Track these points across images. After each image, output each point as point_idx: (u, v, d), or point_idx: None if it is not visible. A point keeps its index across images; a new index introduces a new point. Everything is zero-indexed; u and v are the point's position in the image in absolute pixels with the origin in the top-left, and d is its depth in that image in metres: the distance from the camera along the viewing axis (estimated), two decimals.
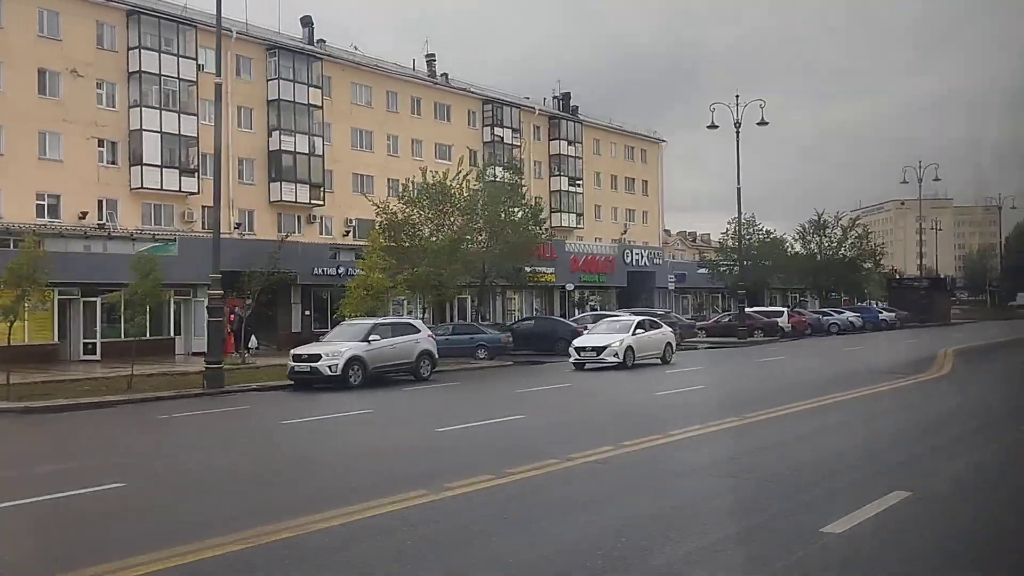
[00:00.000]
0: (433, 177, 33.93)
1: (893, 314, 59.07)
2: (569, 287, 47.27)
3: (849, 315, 54.07)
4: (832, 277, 62.74)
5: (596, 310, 50.86)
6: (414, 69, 60.66)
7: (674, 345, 27.98)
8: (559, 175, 67.85)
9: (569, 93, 73.13)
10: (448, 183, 33.77)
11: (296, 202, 48.15)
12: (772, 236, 58.63)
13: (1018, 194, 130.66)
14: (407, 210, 33.47)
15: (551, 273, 47.17)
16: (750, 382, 21.23)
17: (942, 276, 77.96)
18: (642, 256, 54.38)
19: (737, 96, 40.97)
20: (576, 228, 69.01)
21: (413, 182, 35.75)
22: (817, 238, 62.76)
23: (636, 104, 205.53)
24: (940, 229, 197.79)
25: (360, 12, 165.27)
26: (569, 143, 68.68)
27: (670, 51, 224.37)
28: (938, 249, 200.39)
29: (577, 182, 69.28)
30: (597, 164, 72.91)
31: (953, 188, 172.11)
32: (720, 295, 63.36)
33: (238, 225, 45.25)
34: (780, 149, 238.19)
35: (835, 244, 62.88)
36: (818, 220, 62.63)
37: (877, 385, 17.90)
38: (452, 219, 33.47)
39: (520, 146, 63.92)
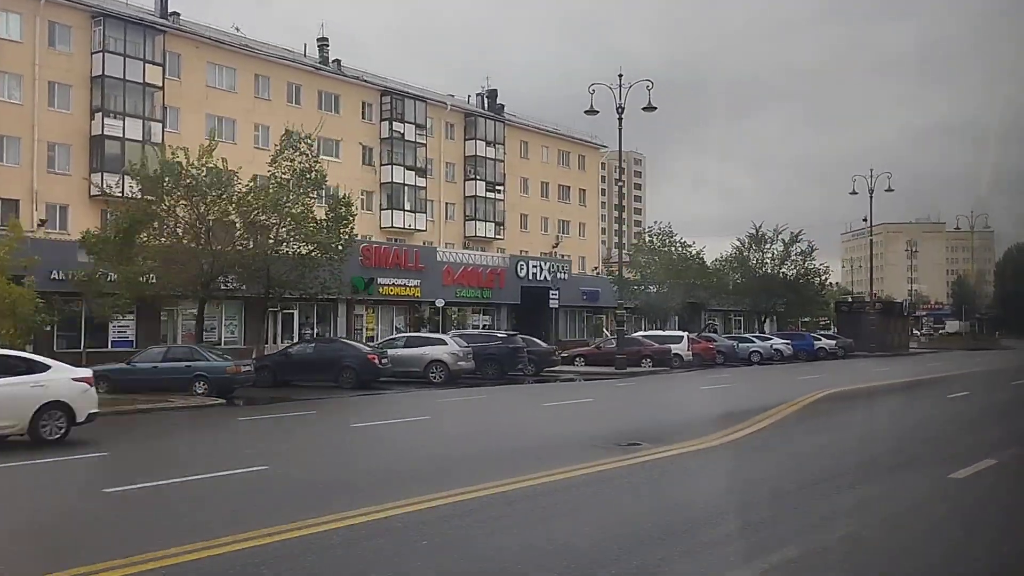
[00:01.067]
0: (203, 154, 26.42)
1: (834, 342, 51.67)
2: (439, 303, 40.01)
3: (776, 342, 46.62)
4: (772, 299, 55.40)
5: (480, 329, 43.62)
6: (305, 55, 53.80)
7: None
8: (475, 179, 60.64)
9: (496, 90, 66.13)
10: (215, 167, 26.40)
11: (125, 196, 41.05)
12: (693, 252, 51.31)
13: (1015, 221, 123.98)
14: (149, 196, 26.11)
15: (415, 286, 39.91)
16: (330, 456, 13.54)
17: (897, 300, 70.27)
18: (540, 270, 46.98)
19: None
20: (495, 239, 61.80)
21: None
22: (755, 254, 55.49)
23: (635, 127, 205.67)
24: (916, 251, 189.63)
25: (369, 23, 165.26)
26: (488, 144, 61.52)
27: (670, 76, 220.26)
28: (924, 272, 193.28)
29: (497, 187, 62.09)
30: (524, 169, 65.72)
31: (949, 215, 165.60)
32: (646, 317, 55.99)
33: (43, 222, 38.21)
34: (778, 174, 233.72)
35: (777, 261, 55.57)
36: (756, 233, 55.36)
37: (571, 467, 10.59)
38: (212, 207, 26.13)
39: (426, 144, 56.85)
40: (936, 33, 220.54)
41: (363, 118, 53.95)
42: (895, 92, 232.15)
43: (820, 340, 51.33)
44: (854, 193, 55.17)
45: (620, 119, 34.33)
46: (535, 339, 33.44)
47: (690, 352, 38.56)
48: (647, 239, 54.63)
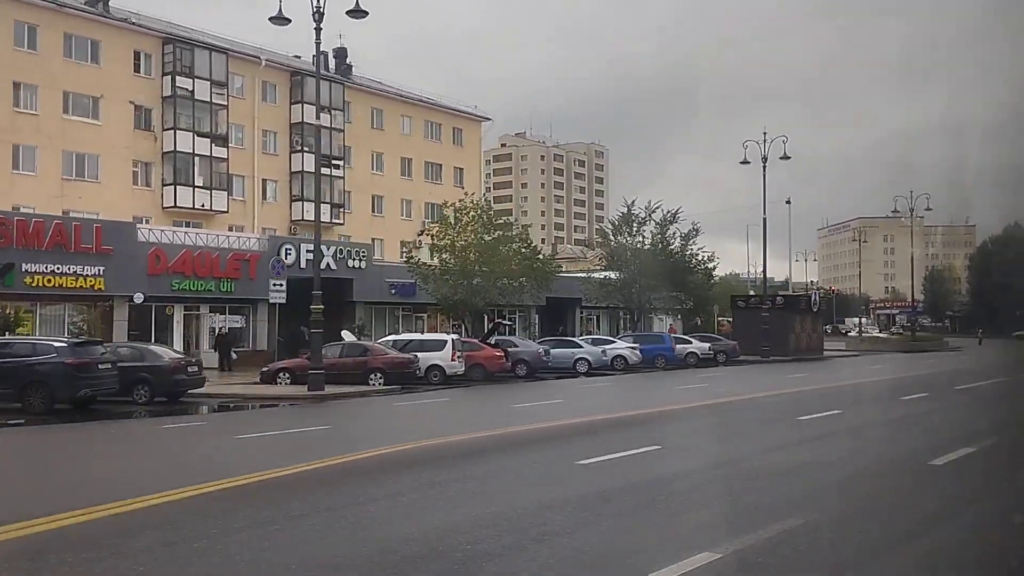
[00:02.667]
0: None
1: (708, 344, 40.93)
2: (137, 298, 29.33)
3: (620, 347, 35.84)
4: (648, 293, 44.60)
5: (223, 332, 32.90)
6: None
7: None
8: (301, 150, 49.87)
9: (345, 48, 55.40)
10: None
11: None
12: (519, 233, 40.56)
13: (1002, 217, 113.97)
14: None
15: (96, 276, 29.11)
16: None
17: (803, 294, 58.96)
18: (321, 256, 36.00)
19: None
20: (334, 223, 51.00)
21: None
22: (624, 238, 44.69)
23: (634, 127, 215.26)
24: (893, 247, 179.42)
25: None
26: (323, 109, 50.48)
27: (668, 77, 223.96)
28: (903, 268, 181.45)
29: (335, 162, 51.25)
30: (378, 141, 54.90)
31: (938, 211, 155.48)
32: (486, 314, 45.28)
33: None
34: (772, 174, 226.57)
35: (653, 246, 44.70)
36: (627, 212, 44.56)
37: None
38: None
39: (227, 106, 46.07)
40: (926, 32, 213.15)
41: (136, 71, 43.18)
42: (886, 90, 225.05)
43: (691, 343, 40.55)
44: (745, 163, 44.20)
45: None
46: (161, 348, 22.68)
47: (458, 361, 27.83)
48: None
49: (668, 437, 13.18)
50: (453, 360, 27.56)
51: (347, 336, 29.15)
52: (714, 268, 46.39)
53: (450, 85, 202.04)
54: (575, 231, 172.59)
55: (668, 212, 44.22)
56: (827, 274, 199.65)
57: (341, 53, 55.19)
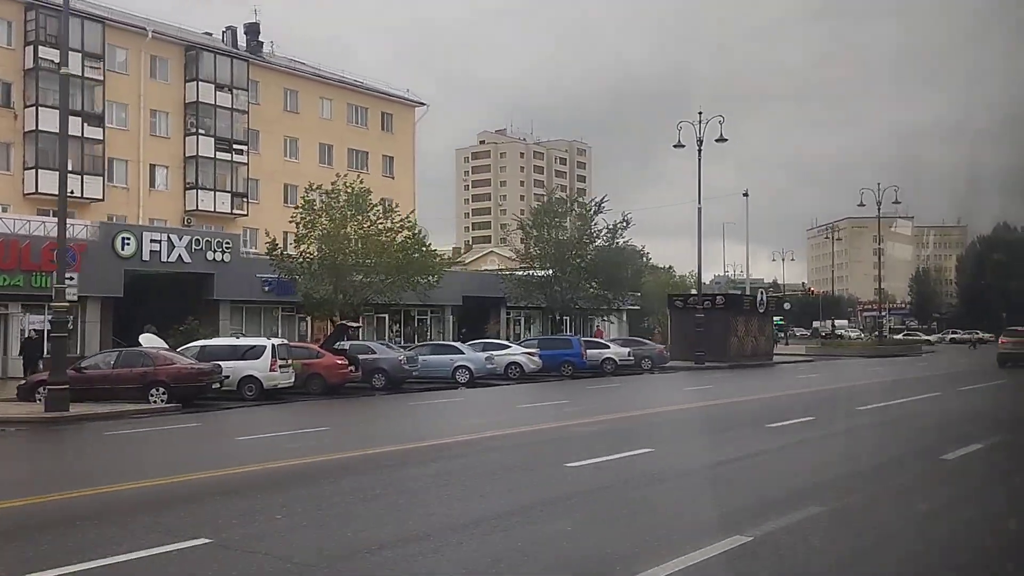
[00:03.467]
0: None
1: (628, 349, 35.92)
2: None
3: (515, 352, 30.84)
4: (573, 291, 39.63)
5: (30, 336, 27.89)
6: None
7: None
8: (196, 133, 44.90)
9: (258, 24, 50.55)
10: None
11: None
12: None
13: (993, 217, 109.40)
14: None
15: None
16: None
17: (747, 294, 53.41)
18: (171, 246, 31.17)
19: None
20: (235, 214, 46.17)
21: None
22: (544, 231, 39.72)
23: (629, 127, 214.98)
24: (883, 247, 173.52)
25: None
26: (223, 88, 45.77)
27: (663, 78, 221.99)
28: (892, 269, 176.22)
29: (238, 147, 46.38)
30: (291, 125, 49.93)
31: (930, 212, 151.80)
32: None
33: None
34: (769, 175, 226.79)
35: (577, 238, 39.73)
36: (547, 201, 39.59)
37: None
38: None
39: (103, 81, 41.15)
40: (921, 35, 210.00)
41: None
42: (882, 92, 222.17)
43: (607, 347, 35.53)
44: (679, 145, 39.13)
45: None
46: None
47: (282, 371, 22.86)
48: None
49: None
50: (274, 370, 22.59)
51: (147, 339, 24.06)
52: (645, 263, 41.28)
53: (441, 84, 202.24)
54: None
55: (592, 201, 39.23)
56: (816, 275, 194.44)
57: (253, 29, 50.37)
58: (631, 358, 35.57)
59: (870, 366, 39.69)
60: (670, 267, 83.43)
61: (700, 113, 39.17)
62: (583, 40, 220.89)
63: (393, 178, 55.53)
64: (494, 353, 30.28)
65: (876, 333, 57.58)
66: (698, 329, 39.92)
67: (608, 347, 35.45)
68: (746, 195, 58.61)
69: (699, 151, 38.56)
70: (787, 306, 74.65)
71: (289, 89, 49.94)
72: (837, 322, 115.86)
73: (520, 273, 40.85)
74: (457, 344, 31.56)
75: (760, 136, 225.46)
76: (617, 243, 39.90)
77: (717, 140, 38.95)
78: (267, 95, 48.48)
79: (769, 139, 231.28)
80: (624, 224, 40.05)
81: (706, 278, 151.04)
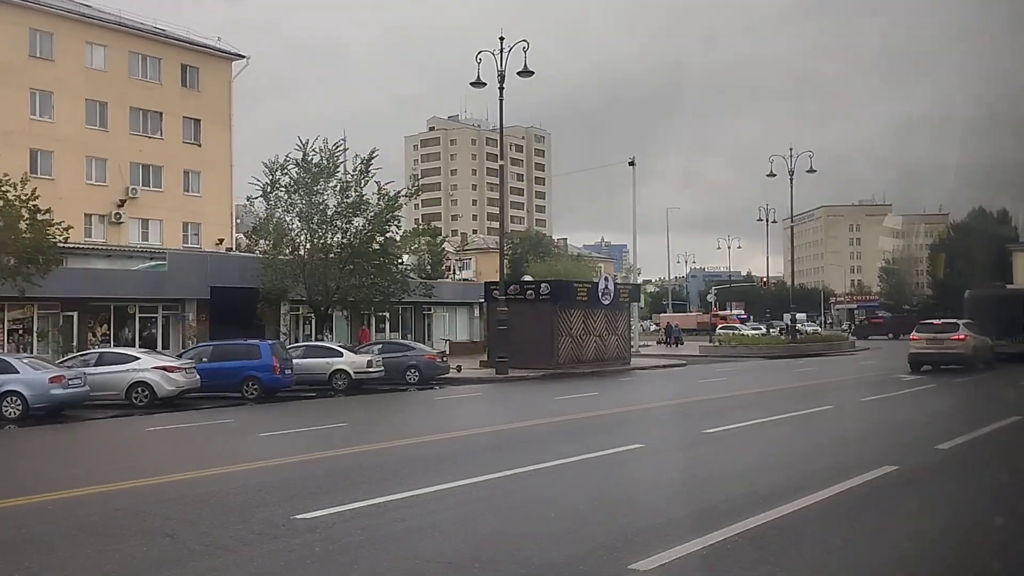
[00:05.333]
0: None
1: (369, 358, 25.38)
2: None
3: (144, 367, 20.49)
4: (338, 279, 28.98)
5: None
6: None
7: None
8: None
9: None
10: None
11: None
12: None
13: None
14: None
15: None
16: None
17: (588, 281, 41.66)
18: None
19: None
20: None
21: None
22: (280, 200, 28.99)
23: (622, 124, 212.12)
24: (859, 237, 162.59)
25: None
26: None
27: (654, 73, 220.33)
28: (869, 260, 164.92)
29: None
30: (42, 77, 39.30)
31: (913, 203, 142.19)
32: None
33: None
34: (762, 168, 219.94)
35: (333, 211, 29.06)
36: (274, 162, 28.81)
37: None
38: None
39: None
40: (908, 31, 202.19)
41: None
42: (872, 87, 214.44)
43: (339, 355, 25.04)
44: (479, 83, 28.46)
45: None
46: None
47: None
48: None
49: None
50: None
51: None
52: (413, 244, 30.30)
53: (432, 80, 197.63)
54: (512, 220, 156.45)
55: (335, 146, 28.55)
56: (793, 266, 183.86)
57: None
58: (378, 369, 25.14)
59: (755, 371, 29.59)
60: (579, 255, 72.98)
61: (502, 40, 28.63)
62: (573, 37, 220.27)
63: (200, 145, 44.99)
64: (99, 369, 19.87)
65: (785, 329, 47.04)
66: (500, 327, 29.60)
67: (340, 355, 24.94)
68: (632, 163, 48.24)
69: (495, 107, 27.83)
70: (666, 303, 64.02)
71: (37, 30, 39.38)
72: (797, 316, 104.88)
73: (279, 256, 30.08)
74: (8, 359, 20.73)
75: (750, 130, 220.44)
76: (391, 216, 29.32)
77: (520, 73, 28.46)
78: (10, 35, 38.06)
79: (760, 133, 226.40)
80: (416, 187, 29.46)
81: (680, 271, 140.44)
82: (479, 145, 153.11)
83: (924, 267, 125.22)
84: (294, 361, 24.11)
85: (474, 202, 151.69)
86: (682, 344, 53.01)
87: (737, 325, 68.73)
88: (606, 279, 34.23)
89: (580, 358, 32.82)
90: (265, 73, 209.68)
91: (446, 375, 27.51)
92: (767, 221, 68.72)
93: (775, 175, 47.38)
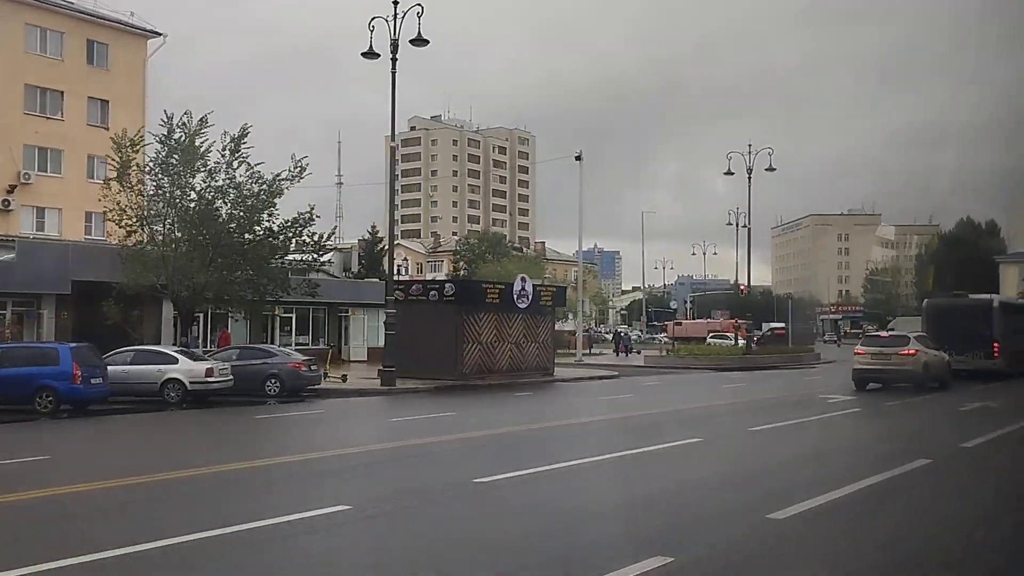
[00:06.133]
0: None
1: (207, 366, 21.53)
2: None
3: None
4: (193, 273, 25.31)
5: None
6: None
7: None
8: None
9: None
10: None
11: None
12: None
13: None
14: None
15: None
16: None
17: (501, 283, 37.56)
18: None
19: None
20: None
21: None
22: (163, 177, 25.30)
23: (621, 133, 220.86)
24: (847, 246, 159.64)
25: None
26: None
27: (650, 81, 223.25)
28: (857, 269, 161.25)
29: None
30: None
31: (903, 213, 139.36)
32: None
33: None
34: (756, 176, 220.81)
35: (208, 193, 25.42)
36: (169, 134, 25.31)
37: None
38: None
39: None
40: (904, 38, 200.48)
41: None
42: (867, 96, 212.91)
43: (175, 362, 21.22)
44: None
45: None
46: None
47: None
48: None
49: None
50: None
51: None
52: (314, 237, 26.34)
53: (422, 84, 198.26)
54: (493, 223, 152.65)
55: (230, 136, 24.98)
56: (781, 275, 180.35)
57: None
58: (222, 379, 21.41)
59: (679, 386, 26.18)
60: (537, 257, 69.44)
61: (396, 3, 24.93)
62: (569, 43, 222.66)
63: (108, 129, 41.08)
64: None
65: (749, 340, 43.31)
66: (389, 332, 25.94)
67: (175, 361, 21.17)
68: (579, 158, 44.62)
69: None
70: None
71: None
72: (773, 324, 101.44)
73: (142, 245, 26.29)
74: None
75: (744, 138, 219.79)
76: (268, 204, 25.56)
77: (413, 41, 24.74)
78: None
79: (754, 141, 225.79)
80: (296, 169, 25.74)
81: (670, 278, 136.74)
82: (460, 146, 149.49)
83: (911, 278, 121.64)
84: (122, 369, 20.48)
85: (455, 204, 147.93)
86: (632, 353, 49.35)
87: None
88: (522, 280, 30.44)
89: (491, 368, 29.10)
90: (228, 63, 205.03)
91: (316, 386, 23.80)
92: (737, 226, 64.95)
93: (733, 173, 43.88)
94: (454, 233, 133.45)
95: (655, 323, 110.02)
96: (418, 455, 11.35)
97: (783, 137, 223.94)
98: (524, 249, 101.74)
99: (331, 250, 28.70)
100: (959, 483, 10.00)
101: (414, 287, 29.60)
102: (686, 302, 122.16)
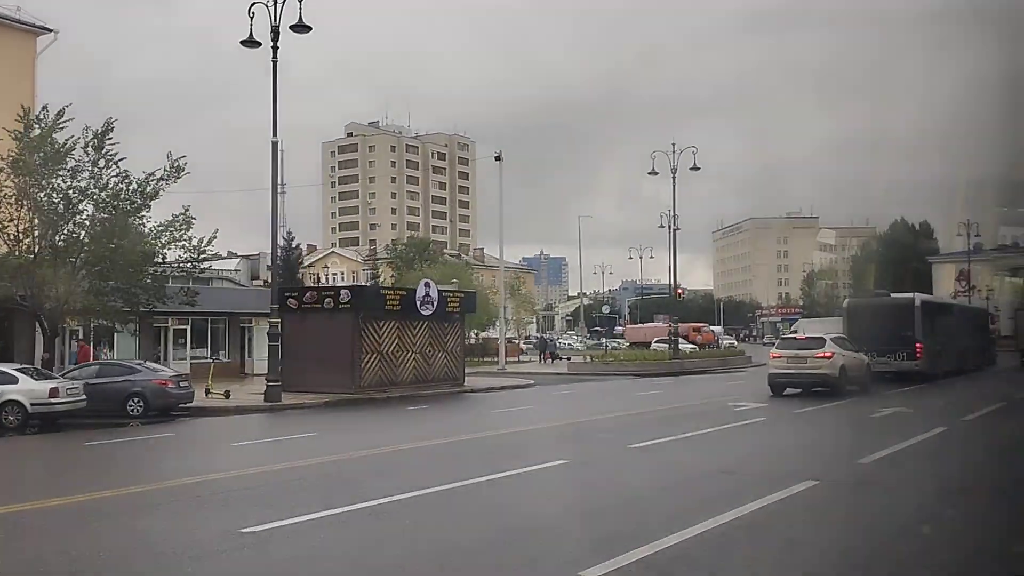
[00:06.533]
0: None
1: (50, 386, 19.40)
2: None
3: None
4: (58, 281, 22.94)
5: None
6: None
7: None
8: None
9: None
10: None
11: None
12: None
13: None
14: None
15: None
16: None
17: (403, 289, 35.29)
18: None
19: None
20: None
21: None
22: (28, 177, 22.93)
23: (568, 141, 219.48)
24: (787, 249, 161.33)
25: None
26: None
27: (596, 88, 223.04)
28: (797, 272, 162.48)
29: None
30: None
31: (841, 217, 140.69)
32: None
33: None
34: (703, 184, 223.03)
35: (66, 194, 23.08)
36: (24, 128, 22.94)
37: None
38: None
39: None
40: (845, 49, 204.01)
41: None
42: (806, 103, 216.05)
43: (15, 381, 18.86)
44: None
45: None
46: None
47: None
48: None
49: None
50: None
51: None
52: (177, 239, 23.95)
53: (381, 100, 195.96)
54: (434, 230, 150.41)
55: (57, 116, 22.78)
56: (723, 279, 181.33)
57: None
58: (73, 400, 19.12)
59: (591, 396, 24.52)
60: (466, 262, 67.75)
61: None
62: (516, 55, 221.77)
63: None
64: None
65: (675, 344, 42.04)
66: (273, 344, 23.90)
67: (15, 381, 18.78)
68: (498, 158, 42.94)
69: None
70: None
71: None
72: (715, 329, 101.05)
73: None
74: None
75: (689, 144, 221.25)
76: (140, 206, 23.34)
77: (294, 27, 22.77)
78: None
79: (699, 148, 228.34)
80: (166, 177, 23.51)
81: (611, 283, 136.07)
82: (399, 152, 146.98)
83: (846, 279, 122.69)
84: None
85: (393, 211, 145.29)
86: (558, 360, 47.77)
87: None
88: (426, 285, 28.54)
89: (393, 380, 27.13)
90: (169, 72, 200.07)
91: (188, 404, 21.61)
92: (669, 228, 63.91)
93: (657, 173, 42.57)
94: (393, 240, 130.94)
95: (597, 328, 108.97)
96: (194, 496, 9.38)
97: (725, 144, 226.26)
98: (463, 256, 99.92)
99: (212, 256, 26.26)
100: (841, 514, 8.42)
101: (308, 294, 27.48)
102: (627, 307, 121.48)
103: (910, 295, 29.76)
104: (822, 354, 22.46)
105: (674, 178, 42.30)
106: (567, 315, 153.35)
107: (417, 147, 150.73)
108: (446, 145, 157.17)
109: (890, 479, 9.99)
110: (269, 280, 47.34)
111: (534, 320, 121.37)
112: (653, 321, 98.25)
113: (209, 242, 25.06)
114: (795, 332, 32.56)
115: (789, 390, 22.78)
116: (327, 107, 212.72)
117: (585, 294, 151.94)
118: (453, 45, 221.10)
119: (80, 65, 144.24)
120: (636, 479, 10.07)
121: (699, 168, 42.13)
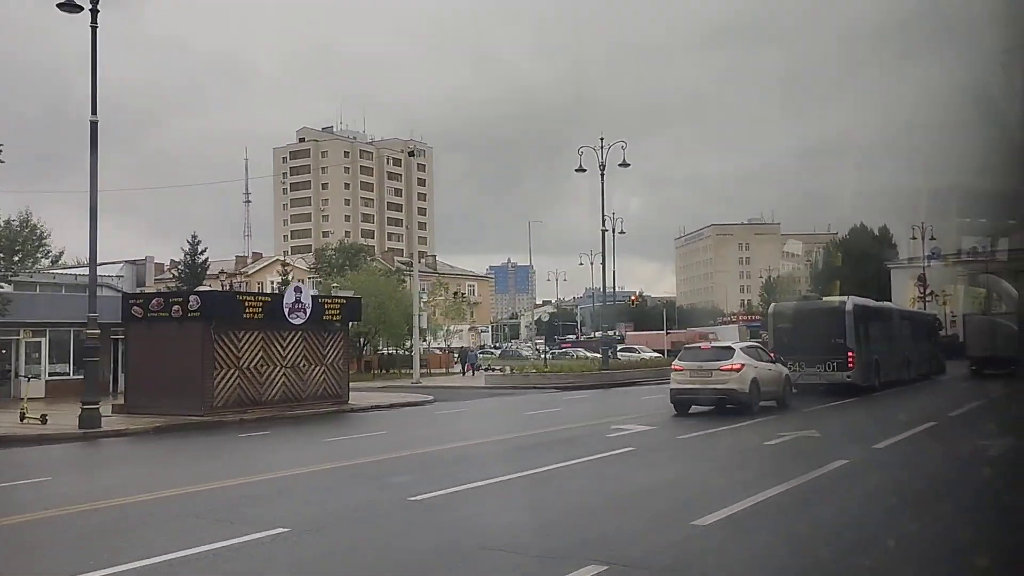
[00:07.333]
0: None
1: None
2: None
3: None
4: None
5: None
6: None
7: None
8: None
9: None
10: None
11: None
12: None
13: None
14: None
15: None
16: None
17: (272, 292, 31.93)
18: None
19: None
20: None
21: None
22: None
23: (535, 150, 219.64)
24: (749, 256, 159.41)
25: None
26: None
27: (564, 98, 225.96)
28: (758, 278, 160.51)
29: None
30: None
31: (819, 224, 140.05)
32: None
33: None
34: (672, 192, 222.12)
35: None
36: None
37: None
38: None
39: None
40: (806, 59, 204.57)
41: None
42: (770, 113, 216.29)
43: None
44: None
45: None
46: None
47: None
48: None
49: None
50: None
51: None
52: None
53: (350, 107, 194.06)
54: (389, 238, 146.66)
55: None
56: (685, 286, 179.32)
57: None
58: None
59: (484, 415, 21.17)
60: (399, 269, 64.60)
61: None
62: (485, 64, 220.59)
63: None
64: None
65: (606, 355, 38.94)
66: (88, 359, 20.47)
67: None
68: (411, 154, 39.38)
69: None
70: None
71: None
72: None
73: None
74: None
75: (656, 154, 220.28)
76: None
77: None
78: None
79: (666, 156, 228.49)
80: None
81: (577, 290, 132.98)
82: (352, 157, 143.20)
83: (805, 286, 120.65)
84: None
85: (347, 217, 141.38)
86: (478, 371, 44.51)
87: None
88: (296, 291, 25.12)
89: (257, 399, 23.67)
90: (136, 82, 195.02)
91: None
92: (614, 232, 60.68)
93: (585, 170, 39.56)
94: (318, 248, 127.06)
95: (556, 336, 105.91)
96: None
97: (690, 152, 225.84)
98: (396, 261, 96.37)
99: (28, 261, 22.76)
100: None
101: (154, 301, 23.90)
102: (579, 315, 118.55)
103: (841, 298, 26.79)
104: (729, 366, 19.37)
105: (602, 175, 39.39)
106: (530, 324, 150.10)
107: (372, 152, 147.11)
108: (401, 151, 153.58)
109: (708, 563, 6.75)
110: (167, 288, 43.81)
111: (489, 329, 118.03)
112: (614, 329, 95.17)
113: (34, 242, 21.48)
114: (713, 338, 29.59)
115: (696, 408, 19.70)
116: (292, 115, 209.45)
117: (549, 302, 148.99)
118: (416, 51, 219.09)
119: None
120: (360, 560, 6.80)
121: (628, 164, 39.23)
